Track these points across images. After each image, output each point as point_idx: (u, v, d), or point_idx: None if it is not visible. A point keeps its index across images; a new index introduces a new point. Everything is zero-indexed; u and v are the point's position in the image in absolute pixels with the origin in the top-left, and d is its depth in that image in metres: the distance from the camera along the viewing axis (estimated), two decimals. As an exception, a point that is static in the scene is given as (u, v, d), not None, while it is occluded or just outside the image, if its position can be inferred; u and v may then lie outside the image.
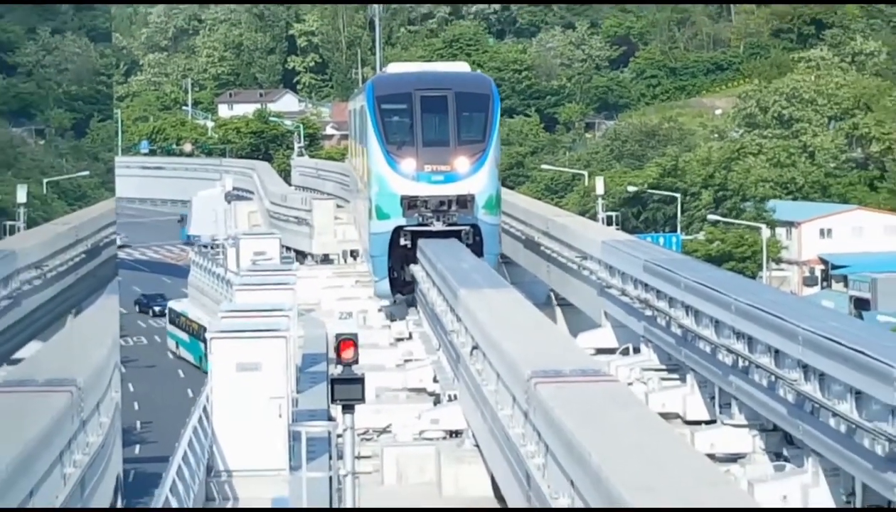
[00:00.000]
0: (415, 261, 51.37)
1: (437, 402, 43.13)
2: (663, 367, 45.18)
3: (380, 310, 56.98)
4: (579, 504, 22.69)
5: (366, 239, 60.22)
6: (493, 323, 38.00)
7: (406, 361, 50.45)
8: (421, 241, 51.04)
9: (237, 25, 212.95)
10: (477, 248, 51.79)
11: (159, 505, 33.15)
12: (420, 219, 52.56)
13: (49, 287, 20.23)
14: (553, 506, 24.43)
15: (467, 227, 52.43)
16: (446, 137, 53.22)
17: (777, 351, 34.34)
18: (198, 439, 39.43)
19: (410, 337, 56.08)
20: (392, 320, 55.41)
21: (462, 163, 52.60)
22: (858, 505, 29.38)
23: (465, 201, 51.96)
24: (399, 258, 53.42)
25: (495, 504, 34.32)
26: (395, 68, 69.01)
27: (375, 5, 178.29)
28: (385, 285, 54.66)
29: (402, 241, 52.55)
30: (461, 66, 71.67)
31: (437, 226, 52.05)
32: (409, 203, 52.31)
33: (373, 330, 53.48)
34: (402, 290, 54.02)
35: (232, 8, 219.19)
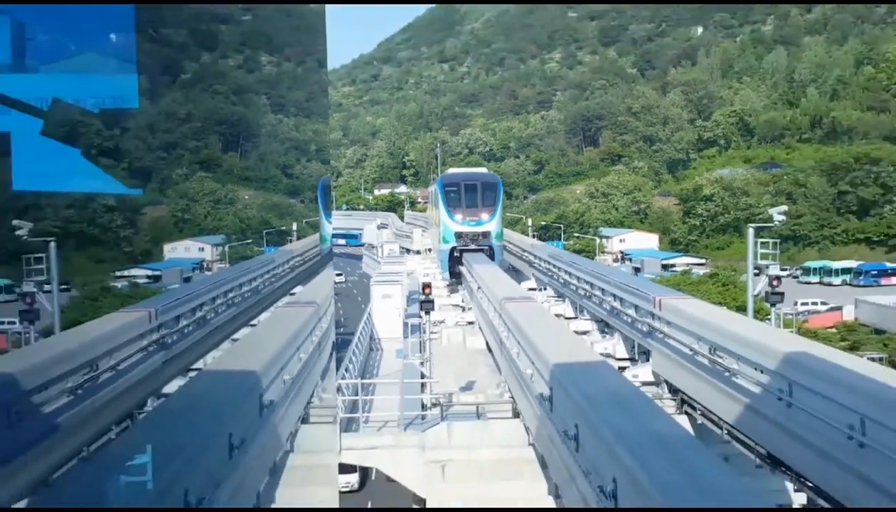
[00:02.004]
0: (461, 263, 49.13)
1: (463, 310, 43.17)
2: (555, 295, 45.01)
3: (443, 279, 53.15)
4: (524, 354, 22.61)
5: (437, 252, 57.26)
6: (486, 277, 38.10)
7: (451, 294, 50.53)
8: (465, 254, 49.40)
9: (381, 157, 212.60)
10: (491, 257, 49.80)
11: (350, 353, 33.48)
12: (464, 243, 50.85)
13: (305, 264, 20.28)
14: (511, 352, 24.39)
15: (487, 247, 50.81)
16: (476, 204, 51.72)
17: (602, 288, 34.29)
18: (366, 326, 39.79)
19: (453, 285, 56.98)
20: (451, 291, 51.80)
21: (484, 216, 51.29)
22: (633, 351, 29.10)
23: (486, 234, 51.04)
24: (454, 262, 50.79)
25: (486, 352, 33.35)
26: (452, 170, 66.06)
27: (439, 149, 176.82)
28: (447, 276, 51.96)
29: (455, 254, 50.80)
30: (483, 170, 70.55)
31: (472, 246, 50.49)
32: (458, 235, 51.08)
33: (437, 280, 53.56)
34: (456, 278, 50.60)
35: (379, 149, 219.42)
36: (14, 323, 4.51)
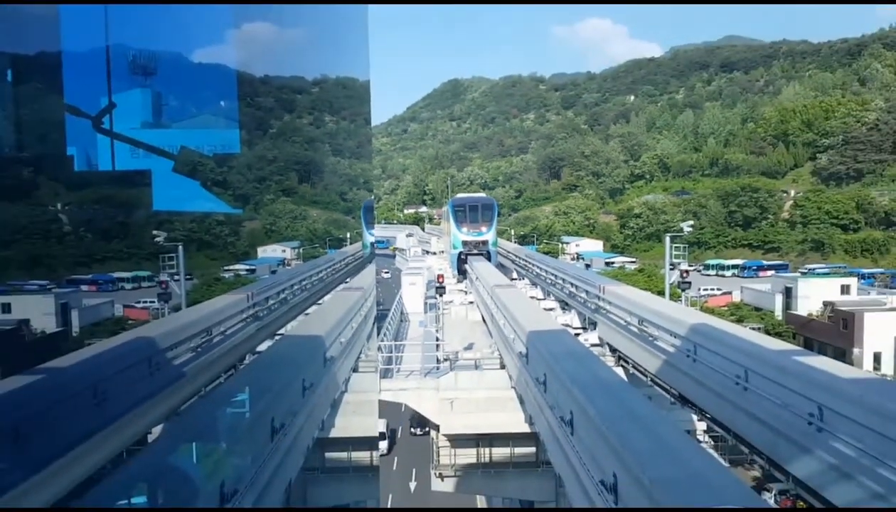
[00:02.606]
0: (466, 263, 46.83)
1: (466, 293, 42.95)
2: (530, 283, 44.82)
3: (452, 275, 50.51)
4: (508, 325, 22.47)
5: (448, 256, 53.86)
6: (482, 271, 37.94)
7: (458, 283, 50.12)
8: (470, 258, 47.14)
9: (409, 187, 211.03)
10: (488, 259, 47.37)
11: (386, 326, 33.27)
12: (468, 249, 48.01)
13: (355, 262, 20.25)
14: (499, 323, 24.24)
15: (485, 252, 48.07)
16: (478, 220, 48.76)
17: (563, 278, 34.15)
18: (399, 305, 39.64)
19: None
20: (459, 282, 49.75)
21: (483, 229, 48.61)
22: (585, 322, 28.93)
23: (485, 242, 48.37)
24: (461, 263, 47.91)
25: (482, 323, 33.06)
26: (460, 195, 62.61)
27: (449, 181, 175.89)
28: (455, 273, 49.05)
29: (462, 257, 47.94)
30: (483, 194, 67.17)
31: (475, 252, 47.86)
32: (464, 243, 48.24)
33: (448, 273, 53.07)
34: (462, 274, 47.47)
35: (407, 182, 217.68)
36: (153, 302, 4.57)
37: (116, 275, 4.65)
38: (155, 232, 4.65)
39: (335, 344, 16.26)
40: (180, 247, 4.75)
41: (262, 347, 7.26)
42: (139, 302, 4.67)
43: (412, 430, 42.36)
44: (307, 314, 15.26)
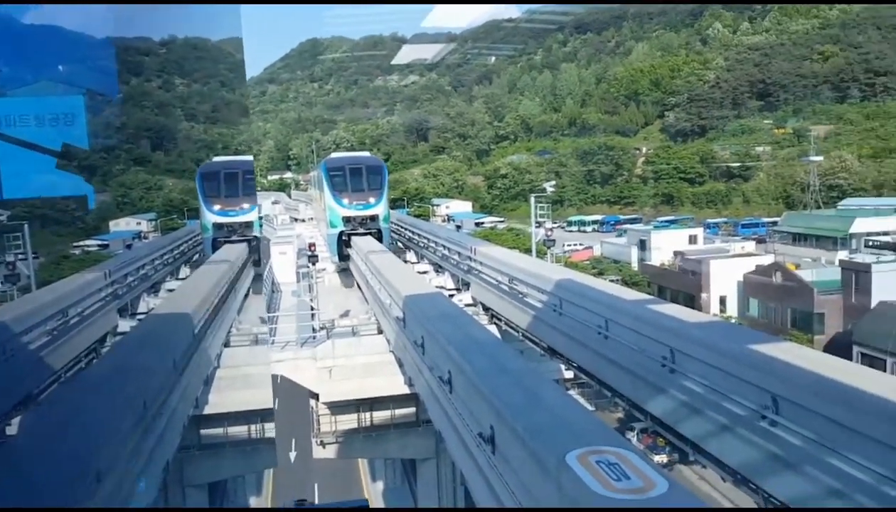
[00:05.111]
0: (349, 246, 37.47)
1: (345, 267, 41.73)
2: (403, 247, 44.40)
3: (332, 262, 40.79)
4: (383, 291, 22.41)
5: (325, 237, 43.66)
6: (357, 240, 37.43)
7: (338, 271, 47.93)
8: (354, 238, 37.30)
9: (272, 152, 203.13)
10: (379, 240, 36.86)
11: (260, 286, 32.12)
12: (352, 227, 37.92)
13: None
14: (375, 288, 24.13)
15: (375, 230, 37.98)
16: (363, 188, 38.72)
17: (436, 242, 34.40)
18: (269, 274, 38.45)
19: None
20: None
21: (371, 199, 38.10)
22: (458, 283, 29.24)
23: (374, 217, 38.07)
24: (342, 245, 37.95)
25: (357, 289, 32.28)
26: (336, 155, 52.38)
27: (314, 144, 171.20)
28: (336, 258, 38.83)
29: (344, 238, 37.97)
30: (367, 154, 54.62)
31: (361, 230, 37.90)
32: (346, 219, 38.06)
33: (319, 240, 51.05)
34: (345, 260, 37.70)
35: (269, 147, 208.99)
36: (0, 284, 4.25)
37: (-48, 258, 4.26)
38: (-5, 210, 4.32)
39: (204, 320, 15.68)
40: (25, 225, 4.42)
41: (125, 326, 6.91)
42: (-19, 286, 4.32)
43: None
44: (171, 291, 14.58)
